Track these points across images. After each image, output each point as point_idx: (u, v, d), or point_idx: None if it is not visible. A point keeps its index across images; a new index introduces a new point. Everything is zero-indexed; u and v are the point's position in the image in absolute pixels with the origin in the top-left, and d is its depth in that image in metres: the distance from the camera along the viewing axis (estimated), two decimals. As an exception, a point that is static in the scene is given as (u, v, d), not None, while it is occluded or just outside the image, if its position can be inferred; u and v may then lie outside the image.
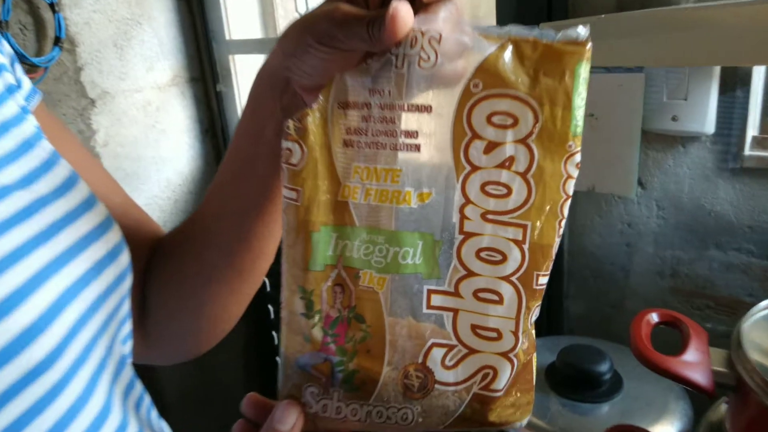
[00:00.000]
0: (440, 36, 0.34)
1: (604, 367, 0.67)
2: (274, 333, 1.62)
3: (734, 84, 0.71)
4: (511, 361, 0.37)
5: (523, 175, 0.36)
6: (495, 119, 0.35)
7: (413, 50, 0.35)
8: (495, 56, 0.35)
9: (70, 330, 0.35)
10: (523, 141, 0.35)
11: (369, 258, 0.37)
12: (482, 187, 0.36)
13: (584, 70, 0.34)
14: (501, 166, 0.36)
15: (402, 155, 0.36)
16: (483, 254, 0.37)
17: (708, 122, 0.73)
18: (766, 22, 0.60)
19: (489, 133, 0.35)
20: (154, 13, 1.36)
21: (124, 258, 0.42)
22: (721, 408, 0.59)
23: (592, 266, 0.90)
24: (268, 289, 1.57)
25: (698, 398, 0.65)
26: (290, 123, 0.38)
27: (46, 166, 0.38)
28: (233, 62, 1.41)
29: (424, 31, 0.34)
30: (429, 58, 0.35)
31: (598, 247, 0.88)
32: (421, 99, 0.36)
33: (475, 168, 0.36)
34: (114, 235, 0.41)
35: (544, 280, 0.37)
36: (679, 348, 0.54)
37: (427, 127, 0.36)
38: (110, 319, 0.40)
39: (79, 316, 0.36)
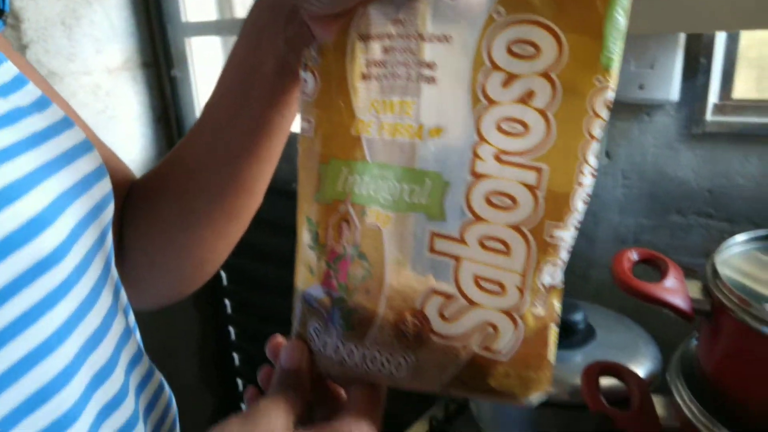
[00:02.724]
0: None
1: (578, 317, 0.68)
2: (231, 328, 1.57)
3: (698, 51, 0.75)
4: (514, 320, 0.33)
5: (543, 111, 0.32)
6: (515, 48, 0.32)
7: None
8: None
9: (72, 231, 0.34)
10: (545, 74, 0.32)
11: (377, 195, 0.36)
12: (498, 125, 0.33)
13: None
14: (520, 100, 0.32)
15: (417, 86, 0.35)
16: (493, 199, 0.33)
17: (673, 90, 0.77)
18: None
19: (509, 64, 0.32)
20: (105, -7, 1.32)
21: (107, 183, 0.40)
22: (690, 346, 0.61)
23: (557, 238, 0.92)
24: (225, 283, 1.53)
25: (665, 342, 0.68)
26: (307, 52, 0.37)
27: (17, 82, 0.37)
28: (189, 45, 1.38)
29: None
30: None
31: (563, 218, 0.90)
32: (441, 28, 0.34)
33: (492, 102, 0.33)
34: (96, 157, 0.40)
35: (560, 233, 0.32)
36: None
37: (445, 58, 0.34)
38: (102, 238, 0.39)
39: (78, 221, 0.35)
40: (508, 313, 0.33)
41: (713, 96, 0.77)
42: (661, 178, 0.82)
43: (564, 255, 0.33)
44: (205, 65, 1.41)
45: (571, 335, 0.68)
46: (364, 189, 0.36)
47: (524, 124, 0.32)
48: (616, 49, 0.31)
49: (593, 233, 0.89)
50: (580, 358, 0.66)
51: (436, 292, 0.34)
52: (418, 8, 0.34)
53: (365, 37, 0.36)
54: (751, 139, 0.74)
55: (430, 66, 0.35)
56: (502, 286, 0.33)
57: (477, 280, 0.33)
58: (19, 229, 0.30)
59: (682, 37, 0.75)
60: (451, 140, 0.34)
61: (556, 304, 0.35)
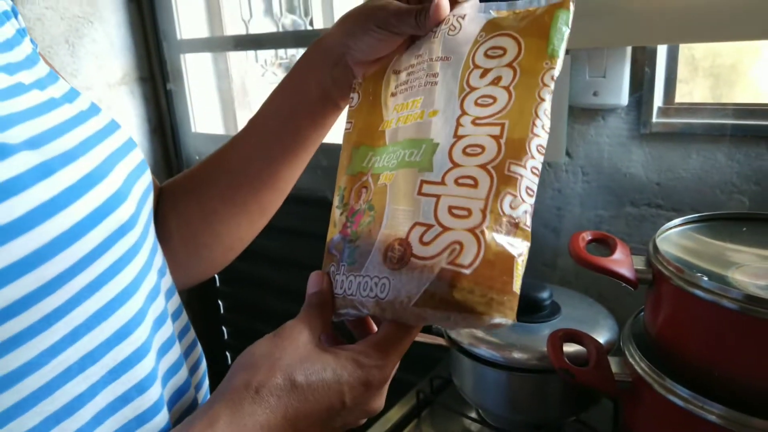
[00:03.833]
0: (465, 14, 0.47)
1: (545, 294, 0.78)
2: (224, 328, 1.64)
3: (643, 62, 0.86)
4: (477, 237, 0.39)
5: (507, 87, 0.43)
6: (490, 52, 0.45)
7: (445, 26, 0.48)
8: (499, 18, 0.46)
9: (137, 204, 0.44)
10: (509, 64, 0.44)
11: (389, 164, 0.46)
12: (476, 101, 0.44)
13: (564, 14, 0.44)
14: (491, 83, 0.44)
15: (425, 89, 0.47)
16: (468, 149, 0.42)
17: (623, 96, 0.87)
18: (667, 7, 0.75)
19: (485, 62, 0.45)
20: (105, 13, 1.40)
21: (149, 173, 0.49)
22: (639, 316, 0.71)
23: (528, 230, 1.02)
24: (218, 284, 1.60)
25: (620, 316, 0.77)
26: (355, 81, 0.52)
27: (74, 91, 0.46)
28: (184, 61, 1.46)
29: (454, 13, 0.48)
30: (455, 28, 0.47)
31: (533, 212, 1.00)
32: (445, 52, 0.47)
33: (472, 89, 0.44)
34: (140, 152, 0.49)
35: (517, 169, 0.40)
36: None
37: (445, 69, 0.46)
38: (151, 215, 0.48)
39: (140, 197, 0.44)
40: (471, 231, 0.39)
41: (658, 100, 0.87)
42: (615, 174, 0.92)
43: (524, 194, 0.40)
44: (198, 79, 1.50)
45: (539, 311, 0.78)
46: (381, 163, 0.46)
47: (493, 98, 0.43)
48: (559, 44, 0.44)
49: (558, 226, 1.00)
50: (547, 330, 0.75)
51: (418, 224, 0.41)
52: (432, 45, 0.48)
53: (397, 72, 0.50)
54: (691, 137, 0.85)
55: (435, 75, 0.47)
56: (469, 210, 0.40)
57: (450, 210, 0.41)
58: (106, 202, 0.39)
59: (628, 50, 0.85)
60: (442, 117, 0.45)
61: (523, 243, 0.40)
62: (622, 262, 0.64)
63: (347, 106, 0.52)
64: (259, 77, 1.62)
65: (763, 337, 0.53)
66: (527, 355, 0.74)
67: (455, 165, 0.42)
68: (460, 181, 0.41)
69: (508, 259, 0.39)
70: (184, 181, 0.59)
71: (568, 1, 0.44)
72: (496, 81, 0.44)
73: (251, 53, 1.60)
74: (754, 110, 0.82)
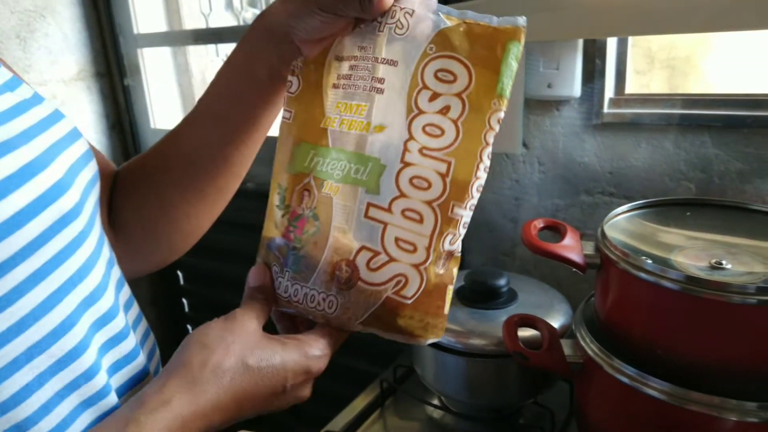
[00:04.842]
0: (413, 11, 0.46)
1: (502, 281, 0.80)
2: (189, 326, 1.63)
3: (594, 54, 0.88)
4: (420, 273, 0.44)
5: (455, 121, 0.44)
6: (440, 75, 0.45)
7: (392, 20, 0.46)
8: (449, 29, 0.45)
9: (82, 193, 0.43)
10: (459, 95, 0.44)
11: (333, 172, 0.46)
12: (423, 128, 0.44)
13: (515, 48, 0.43)
14: (440, 112, 0.44)
15: (370, 95, 0.46)
16: (415, 181, 0.44)
17: (575, 87, 0.90)
18: (615, 2, 0.77)
19: (435, 85, 0.45)
20: (58, 7, 1.37)
21: (95, 163, 0.49)
22: (591, 301, 0.73)
23: (488, 221, 1.04)
24: (182, 282, 1.59)
25: (576, 301, 0.80)
26: (295, 62, 0.50)
27: (16, 80, 0.45)
28: (142, 56, 1.44)
29: (402, 7, 0.46)
30: (402, 26, 0.46)
31: (491, 203, 1.03)
32: (391, 55, 0.46)
33: (420, 112, 0.45)
34: (85, 142, 0.48)
35: (459, 211, 0.44)
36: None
37: (391, 77, 0.46)
38: (97, 204, 0.47)
39: (84, 187, 0.44)
40: (416, 267, 0.44)
41: (609, 92, 0.90)
42: (570, 164, 0.95)
43: (461, 229, 0.44)
44: (157, 74, 1.48)
45: (496, 298, 0.80)
46: (325, 167, 0.47)
47: (441, 129, 0.44)
48: (508, 82, 0.44)
49: (517, 216, 1.02)
50: (504, 316, 0.77)
51: (365, 248, 0.44)
52: (377, 39, 0.47)
53: (339, 58, 0.48)
54: (640, 127, 0.88)
55: (380, 81, 0.46)
56: (414, 246, 0.44)
57: (397, 241, 0.44)
58: (48, 191, 0.39)
59: (580, 43, 0.88)
60: (389, 136, 0.45)
61: (455, 270, 0.45)
62: (571, 247, 0.66)
63: (286, 92, 0.50)
64: (219, 72, 1.60)
65: (701, 315, 0.55)
66: (485, 341, 0.75)
67: (402, 194, 0.44)
68: (407, 214, 0.44)
69: (443, 288, 0.45)
70: (138, 168, 0.59)
71: (521, 32, 0.44)
72: (444, 110, 0.44)
73: (211, 47, 1.59)
74: (699, 100, 0.85)
